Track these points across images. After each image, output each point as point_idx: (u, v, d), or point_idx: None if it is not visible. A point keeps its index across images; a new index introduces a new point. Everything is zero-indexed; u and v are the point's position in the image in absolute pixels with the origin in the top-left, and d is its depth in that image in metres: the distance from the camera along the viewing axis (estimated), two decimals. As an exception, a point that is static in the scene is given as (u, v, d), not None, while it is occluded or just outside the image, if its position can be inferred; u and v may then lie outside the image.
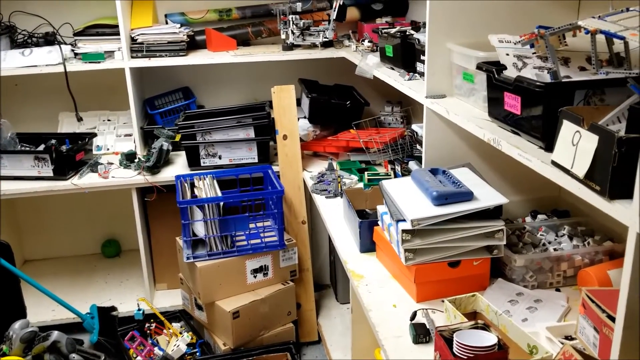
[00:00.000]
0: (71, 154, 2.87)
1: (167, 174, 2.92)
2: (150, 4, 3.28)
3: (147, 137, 3.20)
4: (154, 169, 2.91)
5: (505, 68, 1.53)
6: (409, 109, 3.22)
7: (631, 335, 1.06)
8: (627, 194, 1.03)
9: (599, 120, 1.20)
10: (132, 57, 3.05)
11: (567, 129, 1.19)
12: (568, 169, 1.18)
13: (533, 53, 1.52)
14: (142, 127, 3.18)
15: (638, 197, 0.99)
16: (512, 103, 1.45)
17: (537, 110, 1.34)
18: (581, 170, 1.12)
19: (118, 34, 2.96)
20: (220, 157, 2.94)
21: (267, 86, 3.02)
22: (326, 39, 3.23)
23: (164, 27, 3.14)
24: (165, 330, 2.80)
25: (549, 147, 1.32)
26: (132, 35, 3.07)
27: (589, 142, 1.10)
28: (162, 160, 2.94)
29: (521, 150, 1.39)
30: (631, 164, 1.00)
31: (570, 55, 1.52)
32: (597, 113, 1.24)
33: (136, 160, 2.99)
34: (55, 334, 2.26)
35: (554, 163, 1.25)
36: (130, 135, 3.22)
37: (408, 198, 1.80)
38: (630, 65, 1.42)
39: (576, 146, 1.15)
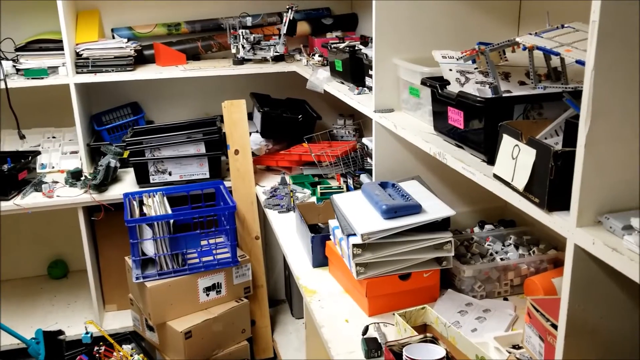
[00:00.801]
0: (13, 173, 2.77)
1: (115, 192, 2.84)
2: (96, 19, 3.22)
3: (94, 154, 3.12)
4: (101, 187, 2.84)
5: (449, 83, 1.57)
6: (360, 122, 3.25)
7: (573, 343, 1.09)
8: (565, 206, 1.05)
9: (537, 134, 1.24)
10: (77, 72, 2.98)
11: (507, 142, 1.22)
12: (509, 182, 1.21)
13: (475, 68, 1.56)
14: (89, 144, 3.10)
15: (575, 209, 1.02)
16: (456, 117, 1.47)
17: (479, 124, 1.37)
18: (521, 183, 1.15)
19: (62, 49, 2.89)
20: (170, 174, 2.89)
21: (218, 101, 2.99)
22: (277, 53, 3.23)
23: (110, 42, 3.09)
24: (115, 353, 2.72)
25: (491, 160, 1.34)
26: (77, 50, 3.00)
27: (527, 155, 1.13)
28: (110, 178, 2.87)
29: (465, 163, 1.41)
30: (567, 176, 1.03)
31: (511, 70, 1.56)
32: (536, 127, 1.27)
33: (82, 178, 2.91)
34: (-4, 362, 2.16)
35: (495, 176, 1.27)
36: (76, 152, 3.13)
37: (358, 212, 1.81)
38: (567, 80, 1.47)
39: (516, 160, 1.17)
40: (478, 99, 1.36)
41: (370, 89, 2.20)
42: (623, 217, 0.98)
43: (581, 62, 1.22)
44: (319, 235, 2.06)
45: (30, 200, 2.77)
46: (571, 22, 1.45)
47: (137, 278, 2.52)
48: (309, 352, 2.19)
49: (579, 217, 1.01)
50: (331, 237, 1.97)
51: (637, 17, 0.94)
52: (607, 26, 0.93)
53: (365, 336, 1.62)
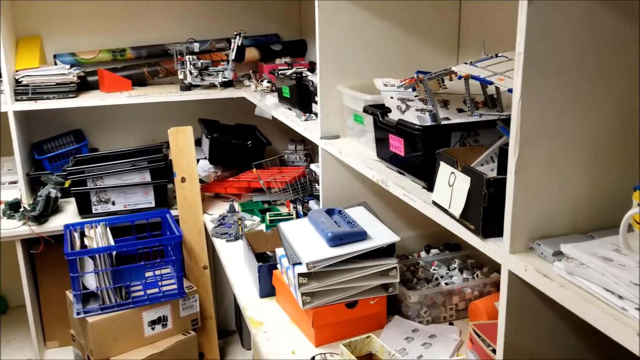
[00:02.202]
0: (-54, 206, 2.64)
1: (56, 223, 2.75)
2: (37, 44, 3.14)
3: (35, 184, 3.01)
4: (40, 219, 2.73)
5: (390, 111, 1.58)
6: (310, 148, 3.25)
7: (512, 369, 1.09)
8: (499, 232, 1.06)
9: (474, 161, 1.25)
10: (17, 99, 2.89)
11: (444, 170, 1.23)
12: (446, 209, 1.21)
13: (415, 96, 1.58)
14: (29, 173, 2.98)
15: (507, 235, 1.03)
16: (397, 145, 1.48)
17: (418, 151, 1.38)
18: (457, 210, 1.16)
19: (0, 75, 2.79)
20: (113, 203, 2.81)
21: (166, 127, 2.93)
22: (225, 79, 3.21)
23: (52, 68, 3.01)
24: (55, 392, 2.59)
25: (430, 187, 1.35)
26: (17, 77, 2.91)
27: (463, 182, 1.14)
28: (50, 209, 2.77)
29: (406, 190, 1.42)
30: (500, 203, 1.04)
31: (450, 98, 1.59)
32: (472, 154, 1.29)
33: (21, 209, 2.80)
34: None
35: (434, 203, 1.28)
36: (15, 182, 3.01)
37: (304, 240, 1.79)
38: (502, 107, 1.50)
39: (452, 187, 1.18)
40: (416, 126, 1.37)
41: (317, 115, 2.21)
42: (554, 242, 1.00)
43: (512, 91, 1.25)
44: (266, 265, 2.03)
45: (-36, 233, 2.65)
46: (505, 51, 1.49)
47: (78, 313, 2.42)
48: (258, 384, 2.14)
49: (512, 244, 1.02)
50: (278, 266, 1.94)
51: (561, 48, 0.97)
52: (532, 57, 0.96)
53: (311, 367, 1.59)
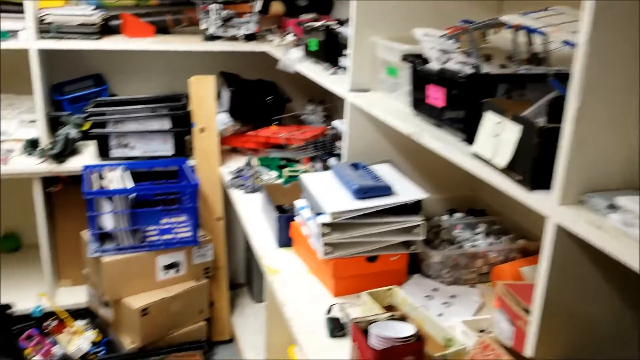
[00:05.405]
0: (-36, 139, 2.62)
1: (74, 164, 2.72)
2: (62, -17, 3.07)
3: (54, 125, 2.97)
4: (59, 158, 2.71)
5: (428, 62, 1.53)
6: (330, 107, 3.20)
7: (548, 325, 1.06)
8: (546, 185, 1.03)
9: (520, 113, 1.21)
10: (40, 37, 2.83)
11: (490, 120, 1.19)
12: (488, 161, 1.17)
13: (457, 48, 1.53)
14: (49, 113, 2.95)
15: (558, 187, 0.99)
16: (436, 95, 1.44)
17: (460, 102, 1.34)
18: (502, 160, 1.12)
19: (22, 11, 2.73)
20: (132, 148, 2.78)
21: (185, 78, 2.89)
22: (249, 32, 3.14)
23: (75, 8, 2.95)
24: (66, 329, 2.60)
25: (470, 139, 1.31)
26: (40, 15, 2.85)
27: (511, 132, 1.10)
28: (69, 149, 2.74)
29: (442, 142, 1.38)
30: (551, 154, 1.00)
31: (492, 53, 1.54)
32: (518, 107, 1.24)
33: (40, 147, 2.77)
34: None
35: (474, 155, 1.24)
36: (34, 121, 2.98)
37: (328, 192, 1.76)
38: (549, 65, 1.45)
39: (498, 137, 1.14)
40: (461, 74, 1.32)
41: (344, 69, 2.15)
42: (606, 196, 0.96)
43: (569, 44, 1.20)
44: (285, 215, 2.00)
45: (-19, 168, 2.63)
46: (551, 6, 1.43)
47: (95, 252, 2.42)
48: (269, 335, 2.14)
49: (562, 196, 0.99)
50: (296, 217, 1.92)
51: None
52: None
53: (329, 315, 1.58)
